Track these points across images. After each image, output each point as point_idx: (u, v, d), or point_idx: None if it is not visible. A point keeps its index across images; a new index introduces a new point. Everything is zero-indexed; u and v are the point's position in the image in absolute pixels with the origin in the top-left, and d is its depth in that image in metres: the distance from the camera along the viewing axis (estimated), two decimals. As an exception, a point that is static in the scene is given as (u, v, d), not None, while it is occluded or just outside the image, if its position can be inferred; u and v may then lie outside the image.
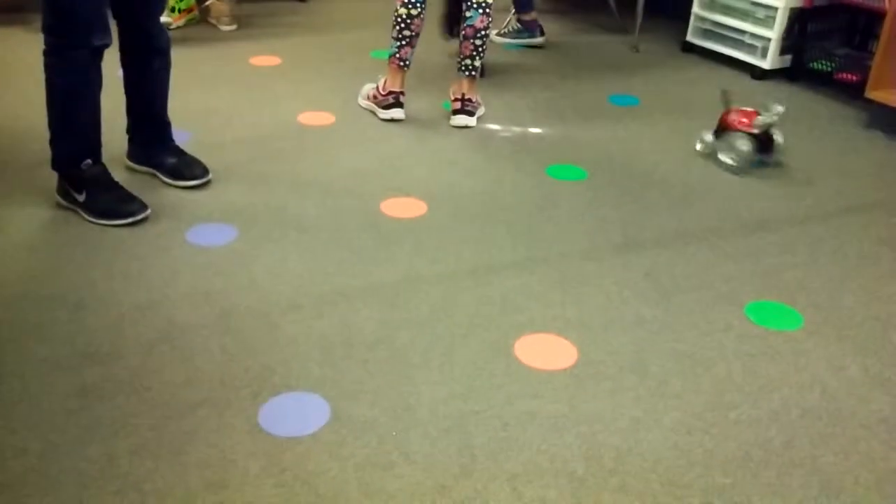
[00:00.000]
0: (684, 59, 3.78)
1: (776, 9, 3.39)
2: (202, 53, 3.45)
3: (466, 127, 2.89)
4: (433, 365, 1.72)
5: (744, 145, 2.64)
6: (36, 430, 1.50)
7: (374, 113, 2.92)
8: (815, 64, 3.42)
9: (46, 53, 2.04)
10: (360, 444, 1.51)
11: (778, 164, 2.72)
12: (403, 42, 2.80)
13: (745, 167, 2.66)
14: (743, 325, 1.91)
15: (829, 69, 3.37)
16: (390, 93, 2.87)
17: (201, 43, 3.57)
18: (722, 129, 2.72)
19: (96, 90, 2.11)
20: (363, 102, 2.99)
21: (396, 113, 2.88)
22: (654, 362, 1.76)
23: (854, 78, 3.24)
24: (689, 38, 3.82)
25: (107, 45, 2.07)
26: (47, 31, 2.01)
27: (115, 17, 2.17)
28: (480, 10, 2.81)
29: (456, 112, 2.90)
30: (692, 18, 3.78)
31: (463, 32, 2.85)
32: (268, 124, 2.84)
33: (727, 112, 2.72)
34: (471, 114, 2.90)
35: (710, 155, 2.74)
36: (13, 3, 3.64)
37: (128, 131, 2.41)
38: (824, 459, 1.53)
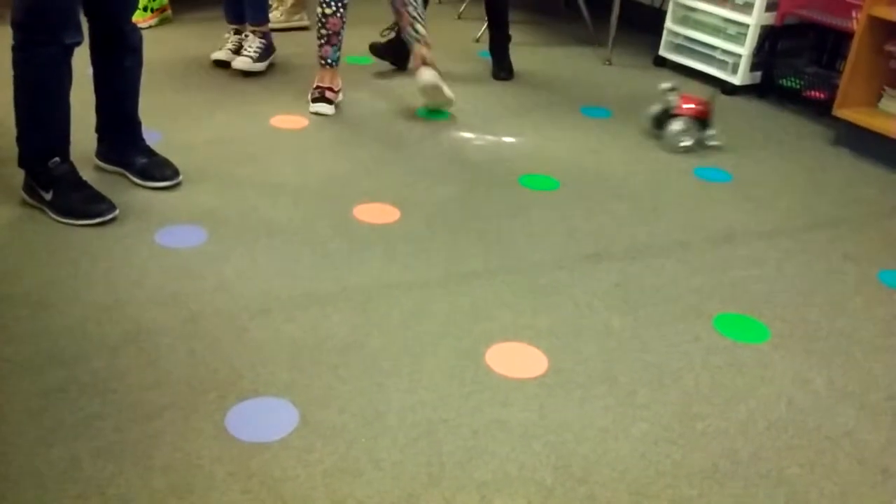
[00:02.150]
0: (656, 72, 3.81)
1: (747, 26, 3.43)
2: (174, 54, 3.41)
3: (435, 87, 2.93)
4: (403, 372, 1.72)
5: (678, 125, 2.90)
6: (-4, 432, 1.47)
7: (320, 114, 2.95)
8: (784, 81, 3.48)
9: (15, 49, 2.01)
10: (328, 451, 1.50)
11: (712, 148, 2.94)
12: (322, 41, 2.90)
13: (676, 145, 2.91)
14: (711, 336, 1.92)
15: (798, 86, 3.42)
16: (317, 87, 2.96)
17: (174, 43, 3.54)
18: (667, 116, 2.95)
19: (66, 88, 2.08)
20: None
21: (322, 107, 2.94)
22: (623, 372, 1.77)
23: (822, 96, 3.30)
24: (662, 52, 3.85)
25: (78, 43, 2.04)
26: (17, 26, 1.98)
27: (86, 14, 2.14)
28: None
29: (421, 66, 2.94)
30: (665, 33, 3.82)
31: (393, 7, 2.96)
32: (240, 127, 2.82)
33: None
34: (437, 73, 2.95)
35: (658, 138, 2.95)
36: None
37: (97, 130, 2.38)
38: (790, 471, 1.54)
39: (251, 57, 3.22)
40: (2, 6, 3.39)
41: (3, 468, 1.40)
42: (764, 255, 2.30)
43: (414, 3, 2.94)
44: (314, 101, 2.95)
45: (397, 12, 2.97)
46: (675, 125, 2.91)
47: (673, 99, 2.94)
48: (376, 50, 3.43)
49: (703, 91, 3.59)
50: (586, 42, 4.13)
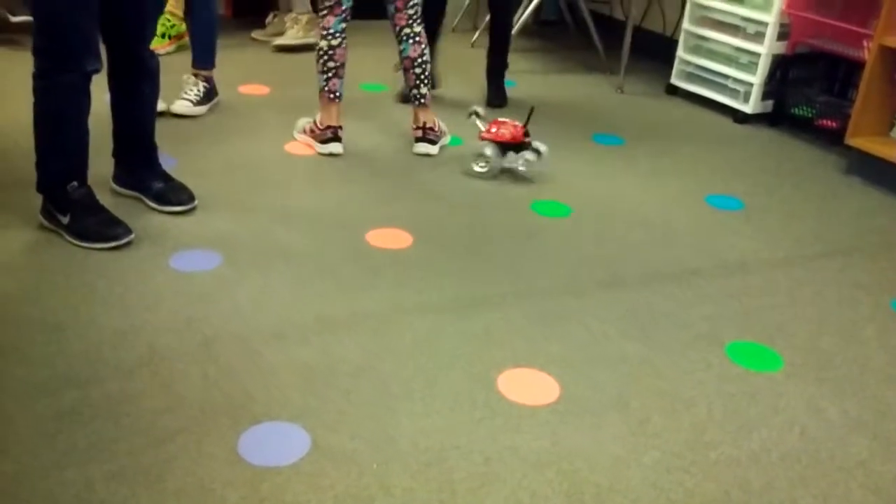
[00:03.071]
0: (668, 100, 3.84)
1: (759, 55, 3.46)
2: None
3: (428, 155, 2.94)
4: (415, 397, 1.72)
5: (488, 150, 2.79)
6: (10, 453, 1.48)
7: (311, 147, 2.91)
8: (796, 110, 3.49)
9: (36, 76, 2.04)
10: (339, 476, 1.50)
11: (531, 177, 2.85)
12: (329, 74, 2.81)
13: (493, 172, 2.82)
14: (723, 364, 1.92)
15: (810, 115, 3.43)
16: (328, 127, 2.86)
17: (189, 69, 3.58)
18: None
19: (84, 114, 2.11)
20: (299, 136, 2.96)
21: (335, 147, 2.86)
22: (636, 400, 1.77)
23: (834, 125, 3.31)
24: (674, 80, 3.88)
25: (97, 71, 2.07)
26: (38, 54, 2.01)
27: (105, 41, 2.18)
28: (411, 41, 2.88)
29: (418, 140, 2.96)
30: (676, 61, 3.85)
31: (403, 66, 2.93)
32: (255, 152, 2.84)
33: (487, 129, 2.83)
34: (433, 142, 2.96)
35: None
36: (1, 24, 3.64)
37: (114, 154, 2.41)
38: (803, 502, 1.53)
39: (191, 101, 3.09)
40: (22, 33, 3.46)
41: (16, 490, 1.41)
42: (776, 283, 2.30)
43: (424, 65, 2.90)
44: (326, 141, 2.86)
45: (405, 70, 2.93)
46: (479, 150, 2.81)
47: (479, 123, 2.85)
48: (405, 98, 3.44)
49: (715, 120, 3.61)
50: (598, 70, 4.16)
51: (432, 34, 3.27)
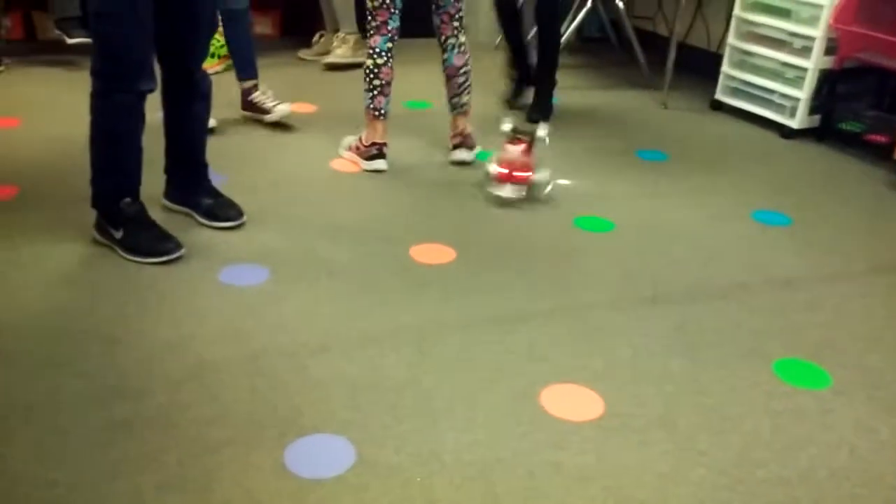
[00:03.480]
0: (713, 116, 3.81)
1: (806, 70, 3.42)
2: (239, 99, 3.52)
3: (464, 162, 2.99)
4: (459, 411, 1.73)
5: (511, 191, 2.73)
6: (65, 463, 1.52)
7: (356, 164, 2.95)
8: (844, 125, 3.44)
9: (93, 96, 2.11)
10: (384, 489, 1.51)
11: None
12: (375, 92, 2.84)
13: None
14: (771, 381, 1.89)
15: (859, 130, 3.38)
16: (373, 144, 2.89)
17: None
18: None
19: (139, 132, 2.17)
20: (345, 154, 3.00)
21: (380, 164, 2.90)
22: (682, 417, 1.76)
23: (883, 139, 3.25)
24: (718, 95, 3.85)
25: (152, 90, 2.13)
26: (96, 74, 2.08)
27: (159, 60, 2.24)
28: (455, 50, 2.93)
29: (456, 147, 3.01)
30: (721, 77, 3.83)
31: (446, 73, 2.97)
32: (301, 169, 2.89)
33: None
34: (471, 148, 3.01)
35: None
36: (56, 46, 3.75)
37: (166, 171, 2.47)
38: (853, 521, 1.51)
39: (270, 105, 3.25)
40: (78, 54, 3.57)
41: (70, 500, 1.44)
42: (824, 299, 2.27)
43: (467, 74, 2.96)
44: (371, 158, 2.89)
45: (448, 78, 2.98)
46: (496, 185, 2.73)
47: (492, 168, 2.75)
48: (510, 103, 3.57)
49: (760, 136, 3.57)
50: (642, 85, 4.14)
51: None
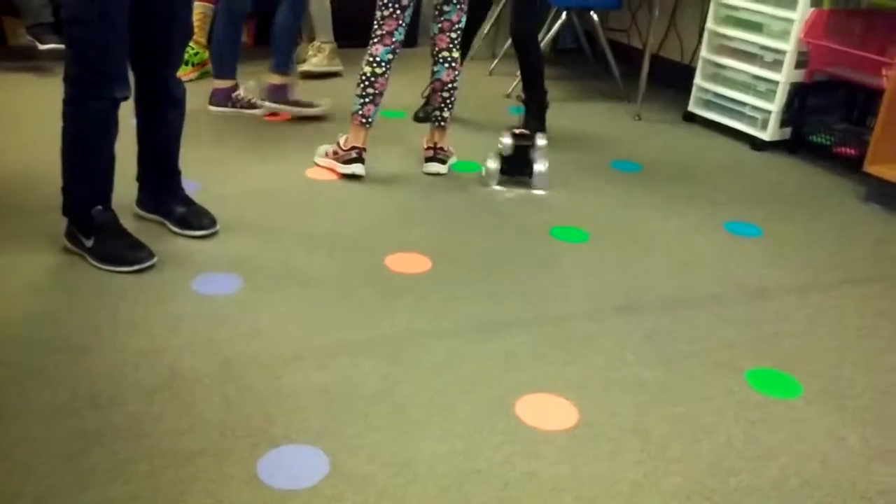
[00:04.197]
0: (686, 128, 3.85)
1: (777, 83, 3.47)
2: (208, 98, 3.51)
3: (438, 174, 3.01)
4: (434, 421, 1.72)
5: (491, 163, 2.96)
6: (34, 474, 1.50)
7: (332, 170, 2.96)
8: (814, 137, 3.49)
9: (66, 103, 2.08)
10: (358, 500, 1.50)
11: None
12: (367, 100, 2.84)
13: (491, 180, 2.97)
14: (743, 391, 1.91)
15: (829, 143, 3.43)
16: (353, 148, 2.90)
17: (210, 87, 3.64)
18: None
19: (112, 140, 2.15)
20: (321, 161, 3.00)
21: (357, 168, 2.90)
22: (655, 426, 1.76)
23: (853, 152, 3.30)
24: (691, 107, 3.89)
25: (126, 98, 2.11)
26: (70, 81, 2.06)
27: (133, 68, 2.21)
28: (447, 65, 2.95)
29: (428, 160, 3.03)
30: (694, 89, 3.87)
31: (432, 86, 2.99)
32: (276, 178, 2.88)
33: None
34: (443, 161, 3.03)
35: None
36: (29, 53, 3.71)
37: (138, 179, 2.45)
38: (825, 530, 1.52)
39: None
40: (49, 60, 3.53)
41: (39, 510, 1.42)
42: (796, 310, 2.29)
43: (453, 90, 2.97)
44: (350, 161, 2.89)
45: (433, 91, 3.00)
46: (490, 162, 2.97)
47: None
48: (419, 118, 3.56)
49: (732, 147, 3.62)
50: (616, 97, 4.18)
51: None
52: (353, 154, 2.89)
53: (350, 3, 4.20)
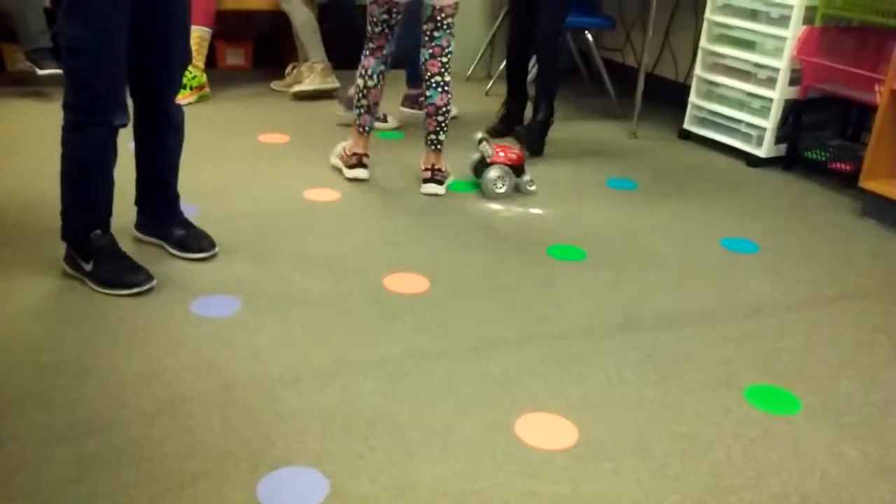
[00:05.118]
0: (681, 145, 3.87)
1: (771, 100, 3.49)
2: (212, 130, 3.53)
3: (436, 195, 3.05)
4: (434, 442, 1.72)
5: (503, 172, 3.05)
6: (34, 499, 1.50)
7: (341, 171, 3.13)
8: (809, 153, 3.51)
9: (66, 129, 2.10)
10: (359, 521, 1.50)
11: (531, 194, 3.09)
12: (362, 111, 3.05)
13: (509, 192, 3.07)
14: (742, 408, 1.91)
15: (824, 159, 3.45)
16: (354, 154, 3.09)
17: (212, 120, 3.66)
18: (484, 166, 3.07)
19: (111, 165, 2.17)
20: (334, 161, 3.19)
21: (359, 172, 3.09)
22: (655, 444, 1.77)
23: (847, 168, 3.32)
24: (686, 125, 3.92)
25: (125, 125, 2.13)
26: (69, 108, 2.07)
27: (132, 94, 2.23)
28: (439, 90, 3.00)
29: (426, 181, 3.08)
30: (689, 107, 3.89)
31: (426, 111, 3.05)
32: (274, 199, 2.89)
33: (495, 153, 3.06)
34: (440, 182, 3.08)
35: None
36: (28, 78, 3.73)
37: (137, 203, 2.45)
38: (825, 546, 1.52)
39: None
40: (48, 85, 3.55)
41: (40, 535, 1.42)
42: (793, 326, 2.30)
43: (446, 114, 3.01)
44: (352, 167, 3.08)
45: (427, 115, 3.03)
46: (492, 173, 3.04)
47: (487, 149, 3.06)
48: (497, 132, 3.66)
49: (728, 164, 3.64)
50: (611, 116, 4.20)
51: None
52: (355, 160, 3.09)
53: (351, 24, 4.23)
